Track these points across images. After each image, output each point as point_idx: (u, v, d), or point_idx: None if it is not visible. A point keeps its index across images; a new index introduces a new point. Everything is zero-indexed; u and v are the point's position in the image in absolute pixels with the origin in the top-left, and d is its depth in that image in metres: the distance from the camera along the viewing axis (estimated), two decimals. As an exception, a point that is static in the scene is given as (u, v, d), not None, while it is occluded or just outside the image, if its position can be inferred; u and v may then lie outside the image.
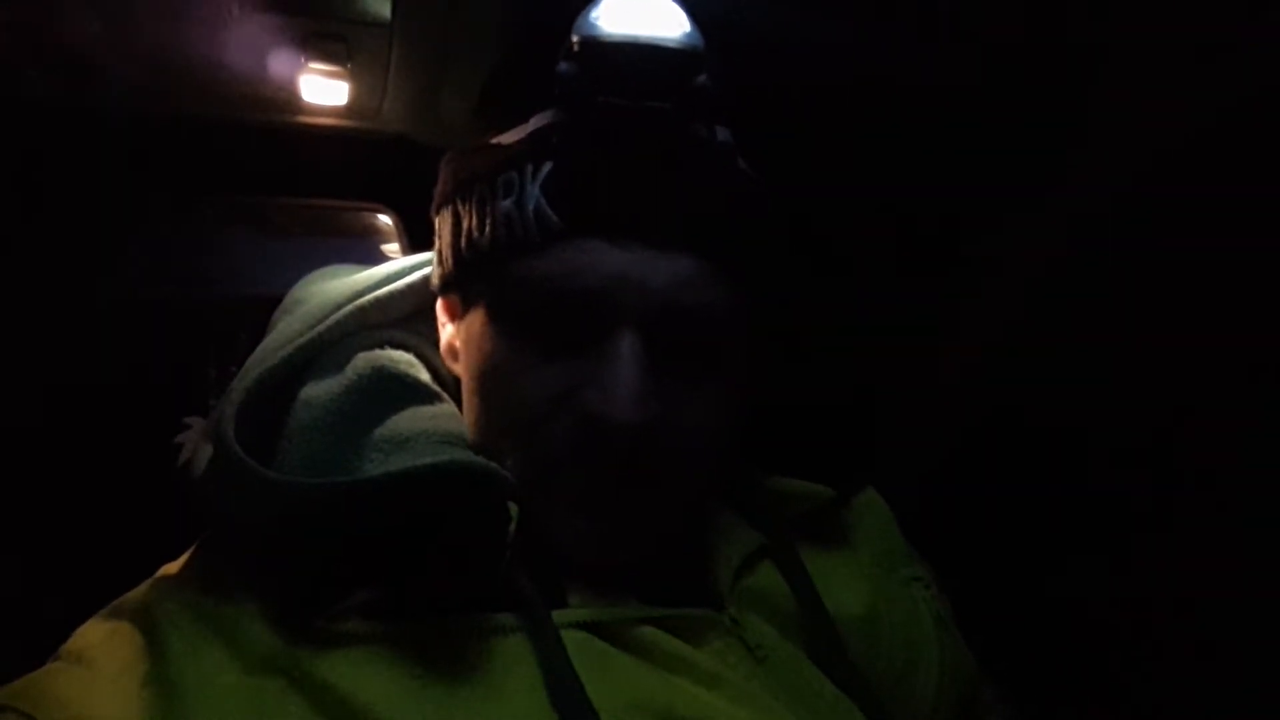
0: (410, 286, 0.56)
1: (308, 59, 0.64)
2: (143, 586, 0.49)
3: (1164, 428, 0.65)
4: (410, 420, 0.50)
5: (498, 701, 0.42)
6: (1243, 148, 0.58)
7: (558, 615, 0.46)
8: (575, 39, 0.47)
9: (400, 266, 0.58)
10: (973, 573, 0.65)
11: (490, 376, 0.50)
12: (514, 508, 0.46)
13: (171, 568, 0.50)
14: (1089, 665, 0.69)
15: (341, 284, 0.56)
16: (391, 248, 0.84)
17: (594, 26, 0.47)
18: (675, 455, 0.48)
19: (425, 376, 0.54)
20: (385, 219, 0.84)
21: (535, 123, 0.49)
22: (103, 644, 0.45)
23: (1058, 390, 0.73)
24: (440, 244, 0.54)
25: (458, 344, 0.54)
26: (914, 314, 0.78)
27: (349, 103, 0.70)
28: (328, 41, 0.63)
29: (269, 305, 0.58)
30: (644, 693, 0.45)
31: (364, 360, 0.52)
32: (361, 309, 0.54)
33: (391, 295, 0.56)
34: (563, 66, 0.47)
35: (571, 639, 0.45)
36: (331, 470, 0.47)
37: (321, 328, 0.52)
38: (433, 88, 0.68)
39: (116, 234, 0.73)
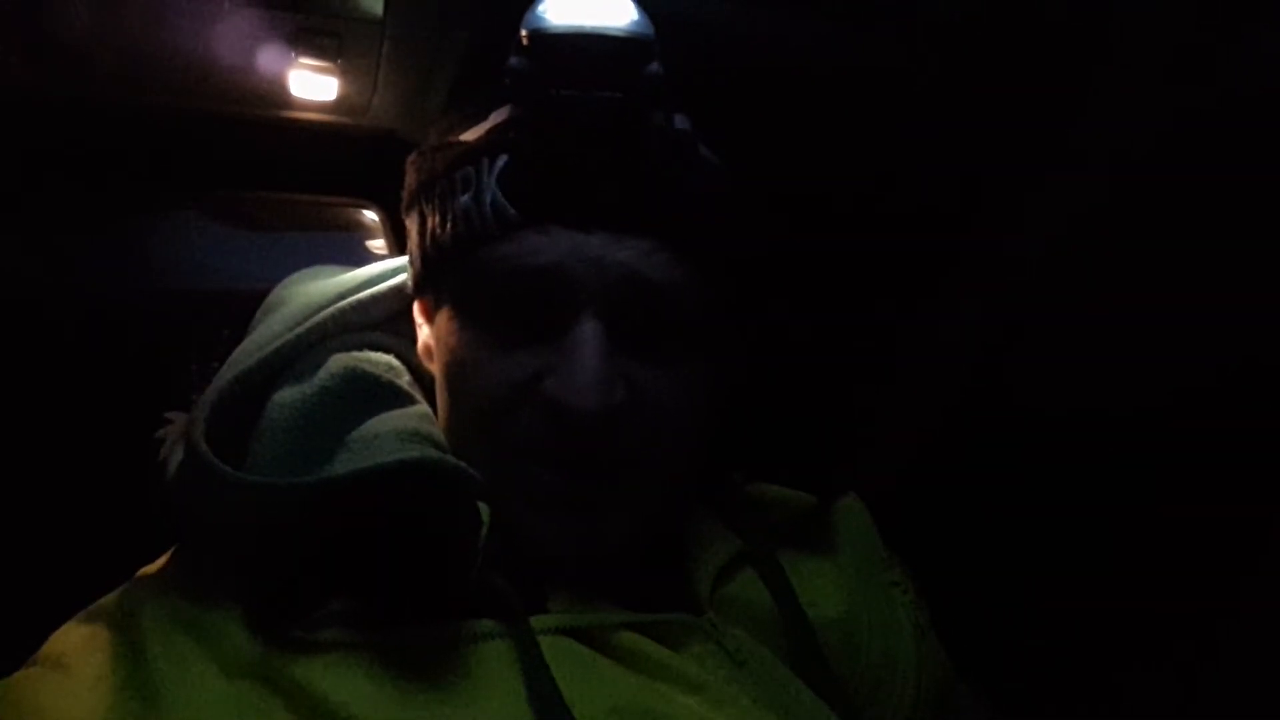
0: (393, 289, 0.56)
1: (298, 54, 0.64)
2: (121, 590, 0.48)
3: (1154, 424, 0.66)
4: (380, 422, 0.50)
5: (478, 707, 0.42)
6: (1238, 136, 0.58)
7: (537, 620, 0.46)
8: (524, 33, 0.47)
9: (383, 269, 0.58)
10: (950, 573, 0.66)
11: (457, 370, 0.50)
12: (485, 510, 0.46)
13: (150, 570, 0.50)
14: (1064, 665, 0.69)
15: (323, 285, 0.56)
16: (377, 244, 0.84)
17: (541, 19, 0.47)
18: (643, 440, 0.49)
19: (405, 379, 0.54)
20: (371, 214, 0.84)
21: (493, 119, 0.50)
22: (81, 648, 0.44)
23: (1042, 387, 0.73)
24: (410, 245, 0.55)
25: (432, 344, 0.54)
26: (892, 308, 0.79)
27: (338, 98, 0.70)
28: (319, 37, 0.63)
29: (253, 299, 0.58)
30: (625, 698, 0.45)
31: (338, 363, 0.52)
32: (342, 311, 0.54)
33: (374, 297, 0.56)
34: (513, 61, 0.47)
35: (551, 644, 0.45)
36: (299, 471, 0.47)
37: (301, 330, 0.52)
38: (422, 85, 0.68)
39: (99, 227, 0.72)
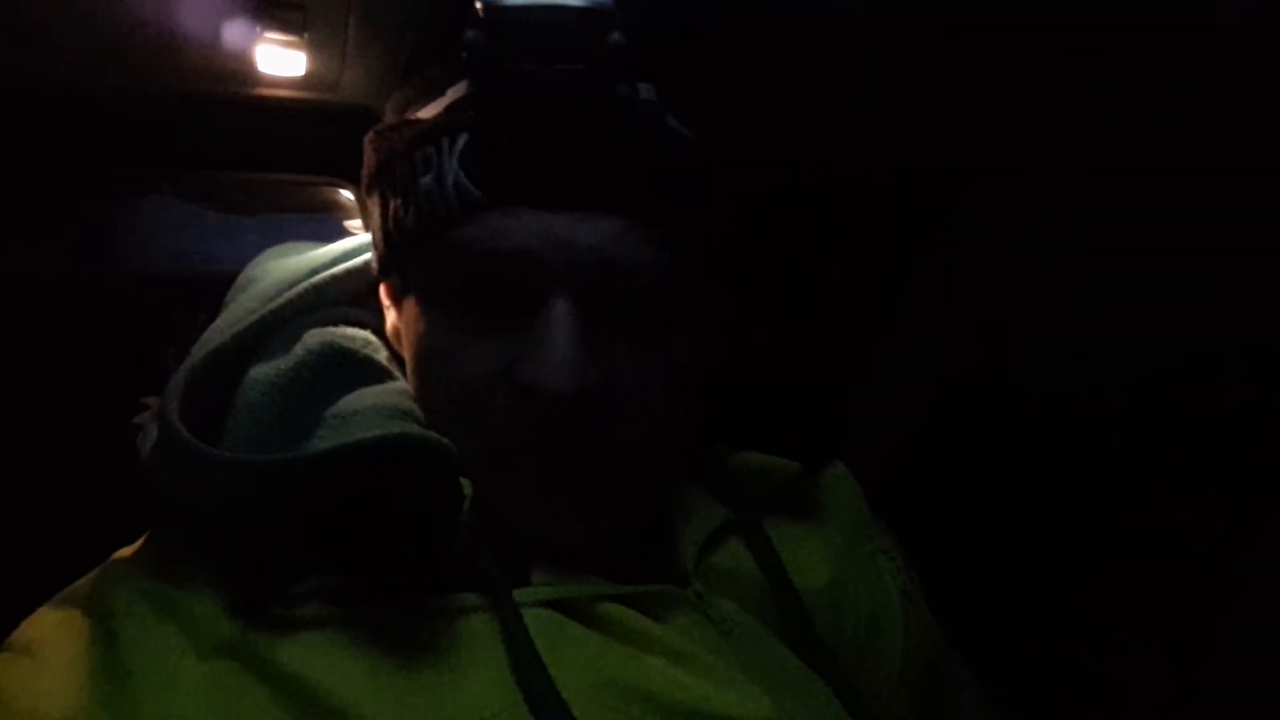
0: (366, 264, 0.56)
1: (263, 28, 0.63)
2: (94, 573, 0.48)
3: (1152, 406, 0.65)
4: (359, 398, 0.49)
5: (460, 682, 0.42)
6: (1228, 113, 0.58)
7: (520, 593, 0.46)
8: (479, 5, 0.45)
9: (356, 244, 0.57)
10: (940, 551, 0.65)
11: (429, 357, 0.49)
12: (467, 484, 0.46)
13: (124, 553, 0.49)
14: (1056, 643, 0.69)
15: (296, 261, 0.55)
16: (353, 223, 0.83)
17: None
18: (621, 422, 0.48)
19: (381, 355, 0.53)
20: (346, 194, 0.83)
21: (451, 95, 0.48)
22: (53, 634, 0.44)
23: (1039, 366, 0.73)
24: (373, 227, 0.53)
25: (400, 326, 0.53)
26: (877, 280, 0.78)
27: (306, 74, 0.69)
28: (284, 10, 0.62)
29: (229, 282, 0.57)
30: (609, 670, 0.44)
31: (314, 337, 0.51)
32: (316, 286, 0.53)
33: (349, 272, 0.55)
34: (469, 34, 0.45)
35: (535, 617, 0.45)
36: (278, 448, 0.46)
37: (274, 305, 0.51)
38: (393, 59, 0.67)
39: (69, 211, 0.71)
